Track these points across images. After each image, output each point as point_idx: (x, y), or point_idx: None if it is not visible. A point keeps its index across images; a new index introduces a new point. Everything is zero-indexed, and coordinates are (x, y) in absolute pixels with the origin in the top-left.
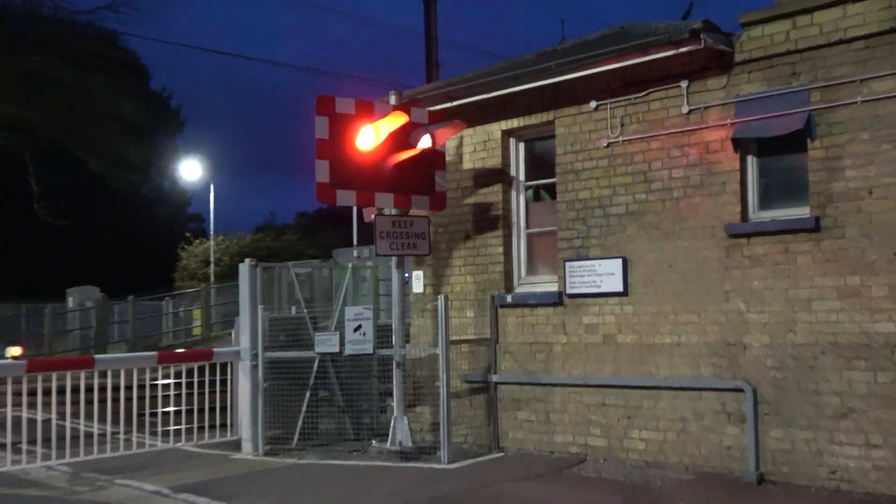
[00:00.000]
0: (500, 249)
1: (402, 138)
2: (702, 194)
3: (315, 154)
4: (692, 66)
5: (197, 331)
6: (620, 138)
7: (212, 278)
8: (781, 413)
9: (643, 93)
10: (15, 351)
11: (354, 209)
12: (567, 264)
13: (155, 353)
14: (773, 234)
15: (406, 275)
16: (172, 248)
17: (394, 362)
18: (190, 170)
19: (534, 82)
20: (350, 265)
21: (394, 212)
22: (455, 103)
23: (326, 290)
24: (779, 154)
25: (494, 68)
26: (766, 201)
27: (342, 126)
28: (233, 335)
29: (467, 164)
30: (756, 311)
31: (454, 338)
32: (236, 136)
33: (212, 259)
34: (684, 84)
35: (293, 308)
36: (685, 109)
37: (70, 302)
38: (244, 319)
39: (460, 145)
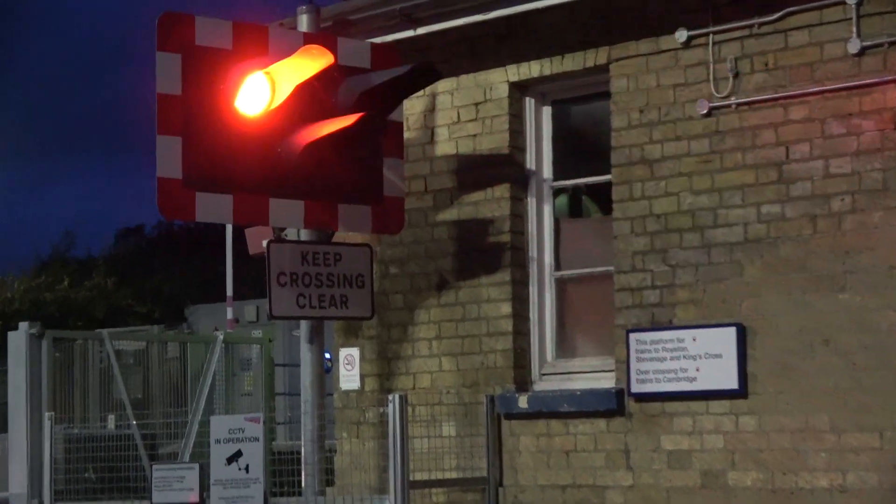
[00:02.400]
0: (507, 308)
1: (323, 97)
2: (886, 206)
3: (156, 126)
4: None
5: None
6: (733, 100)
7: None
8: None
9: (775, 15)
10: None
11: (229, 230)
12: (633, 337)
13: None
14: None
15: (327, 356)
16: None
17: None
18: None
19: None
20: (219, 336)
21: (305, 235)
22: (421, 30)
23: (174, 383)
24: None
25: None
26: None
27: (208, 72)
28: None
29: (444, 147)
30: None
31: (419, 477)
32: (6, 87)
33: None
34: (852, 0)
35: (110, 418)
36: (854, 47)
37: None
38: (17, 440)
39: (431, 111)
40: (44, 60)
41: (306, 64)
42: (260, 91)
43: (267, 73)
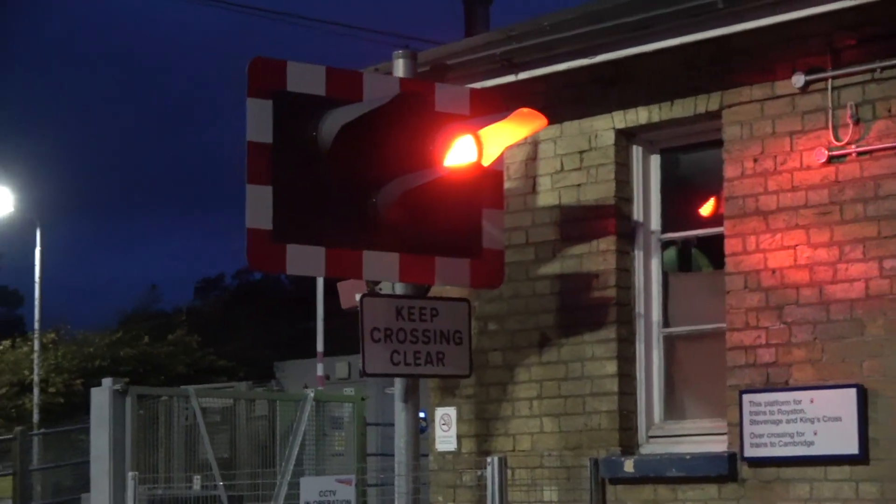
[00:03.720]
0: (613, 367)
1: (419, 144)
2: None
3: (246, 175)
4: None
5: None
6: (853, 148)
7: (35, 417)
8: None
9: None
10: None
11: (320, 283)
12: (746, 398)
13: None
14: None
15: (422, 416)
16: None
17: None
18: None
19: (681, 36)
20: (310, 394)
21: (400, 290)
22: (522, 75)
23: (261, 442)
24: None
25: (595, 9)
26: None
27: (301, 119)
28: None
29: (547, 197)
30: None
31: None
32: (88, 144)
33: (35, 378)
34: None
35: (196, 478)
36: None
37: None
38: (99, 500)
39: (533, 159)
40: (122, 117)
41: (404, 110)
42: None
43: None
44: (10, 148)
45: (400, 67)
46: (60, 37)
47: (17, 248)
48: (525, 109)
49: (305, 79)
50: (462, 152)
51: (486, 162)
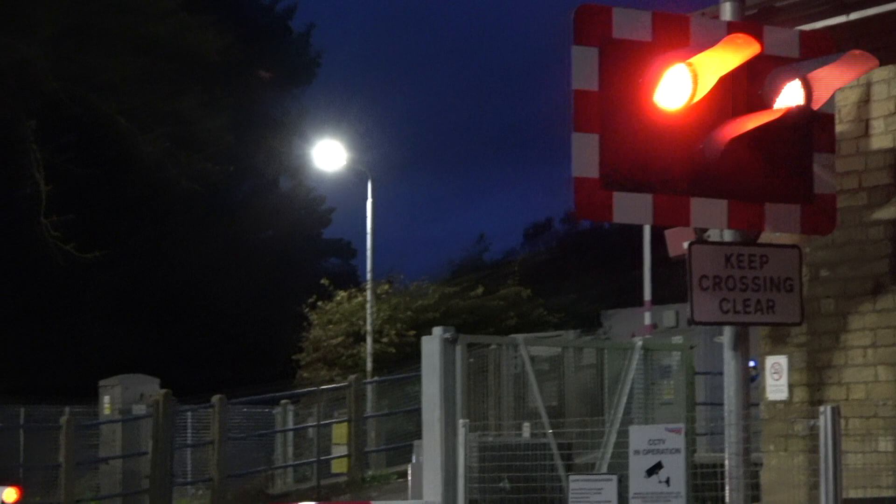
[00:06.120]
0: None
1: (747, 88)
2: None
3: (573, 123)
4: None
5: (340, 465)
6: None
7: (368, 365)
8: None
9: None
10: (9, 495)
11: (647, 231)
12: None
13: None
14: None
15: (752, 364)
16: (292, 305)
17: None
18: (327, 158)
19: None
20: (638, 343)
21: (728, 237)
22: (854, 16)
23: (589, 391)
24: None
25: None
26: None
27: (626, 66)
28: (409, 476)
29: (880, 141)
30: None
31: (853, 495)
32: (414, 99)
33: (368, 328)
34: None
35: (525, 426)
36: None
37: (106, 404)
38: (431, 447)
39: (866, 102)
40: (448, 77)
41: (731, 54)
42: (681, 84)
43: (689, 64)
44: (342, 105)
45: (727, 11)
46: None
47: (350, 201)
48: (856, 51)
49: (631, 25)
50: (791, 96)
51: (816, 105)
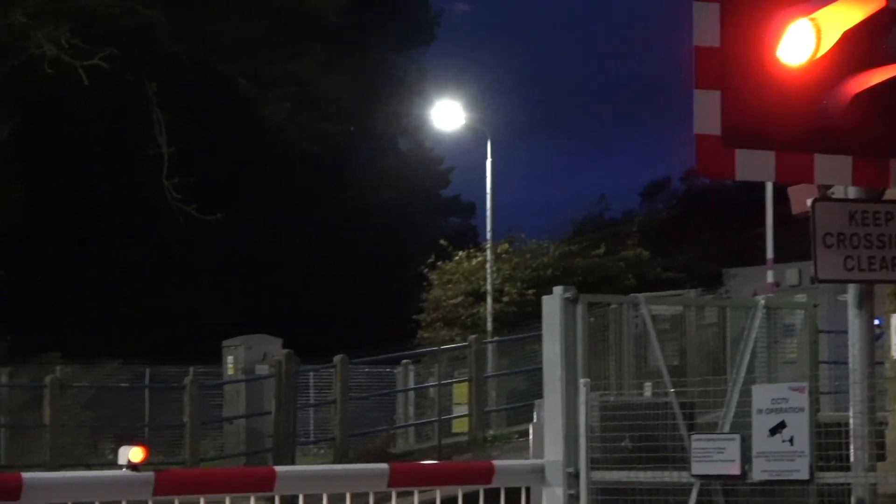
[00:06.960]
0: None
1: (873, 43)
2: None
3: (694, 80)
4: None
5: (461, 425)
6: None
7: (488, 325)
8: None
9: None
10: (135, 454)
11: (770, 188)
12: None
13: (386, 465)
14: None
15: (877, 322)
16: (412, 264)
17: (852, 501)
18: (446, 118)
19: None
20: (761, 301)
21: (853, 193)
22: None
23: (710, 350)
24: None
25: None
26: None
27: (748, 21)
28: (530, 436)
29: None
30: None
31: None
32: (533, 60)
33: (489, 288)
34: None
35: (646, 385)
36: None
37: (230, 364)
38: (552, 406)
39: None
40: (568, 40)
41: (855, 8)
42: (804, 39)
43: (812, 19)
44: (462, 65)
45: None
46: None
47: (470, 160)
48: None
49: None
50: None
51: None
